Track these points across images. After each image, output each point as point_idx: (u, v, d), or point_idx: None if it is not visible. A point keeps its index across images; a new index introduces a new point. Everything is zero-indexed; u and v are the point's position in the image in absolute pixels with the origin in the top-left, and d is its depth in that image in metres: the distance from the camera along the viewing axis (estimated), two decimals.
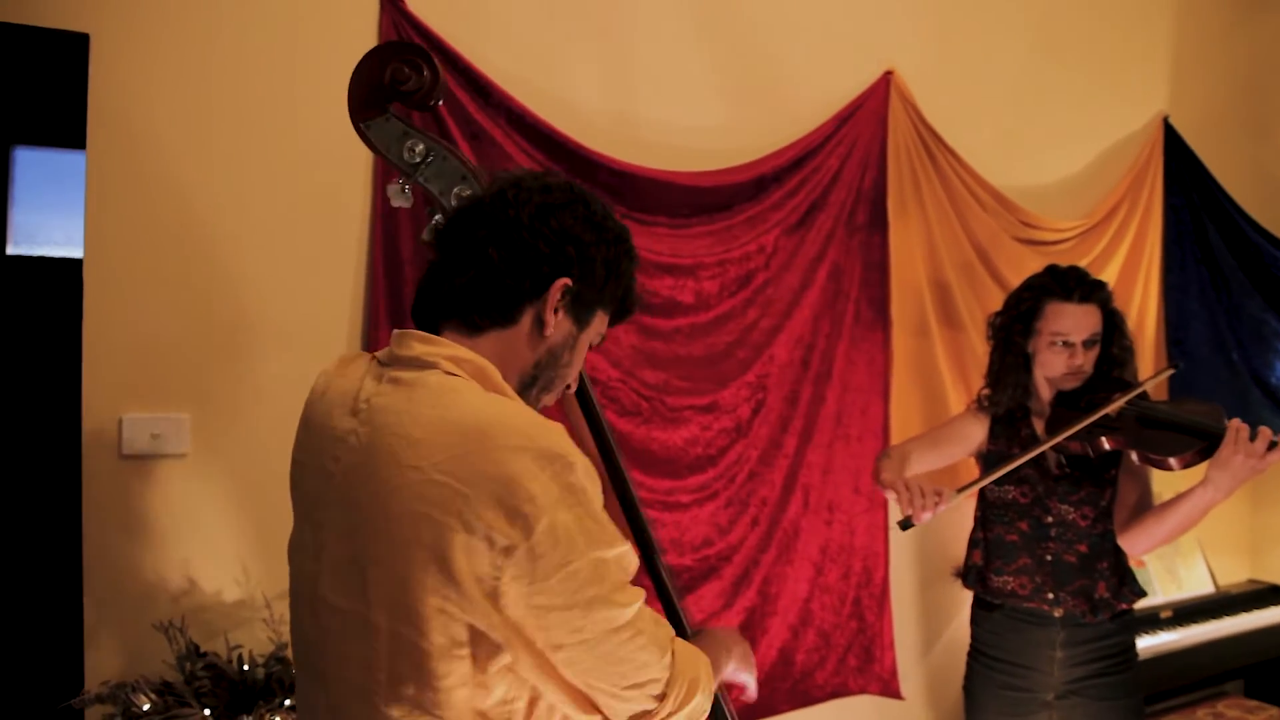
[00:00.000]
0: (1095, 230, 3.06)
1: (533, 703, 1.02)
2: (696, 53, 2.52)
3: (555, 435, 0.98)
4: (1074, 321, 2.12)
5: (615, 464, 1.45)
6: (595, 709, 1.03)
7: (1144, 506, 2.20)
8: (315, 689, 1.07)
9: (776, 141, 2.58)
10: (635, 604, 1.01)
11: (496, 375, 1.06)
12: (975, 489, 2.08)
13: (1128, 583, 2.19)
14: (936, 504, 1.91)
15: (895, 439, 2.71)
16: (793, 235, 2.56)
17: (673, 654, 1.07)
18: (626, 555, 1.02)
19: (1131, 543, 2.18)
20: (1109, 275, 3.08)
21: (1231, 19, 3.49)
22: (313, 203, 2.08)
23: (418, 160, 1.39)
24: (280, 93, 2.05)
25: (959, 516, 2.32)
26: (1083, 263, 2.97)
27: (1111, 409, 2.05)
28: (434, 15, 2.17)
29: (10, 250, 3.53)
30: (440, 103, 1.43)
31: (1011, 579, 2.19)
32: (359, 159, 2.09)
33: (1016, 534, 2.20)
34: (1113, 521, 2.18)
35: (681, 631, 1.37)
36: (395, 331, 1.11)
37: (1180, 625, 3.00)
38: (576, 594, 0.95)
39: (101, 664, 1.89)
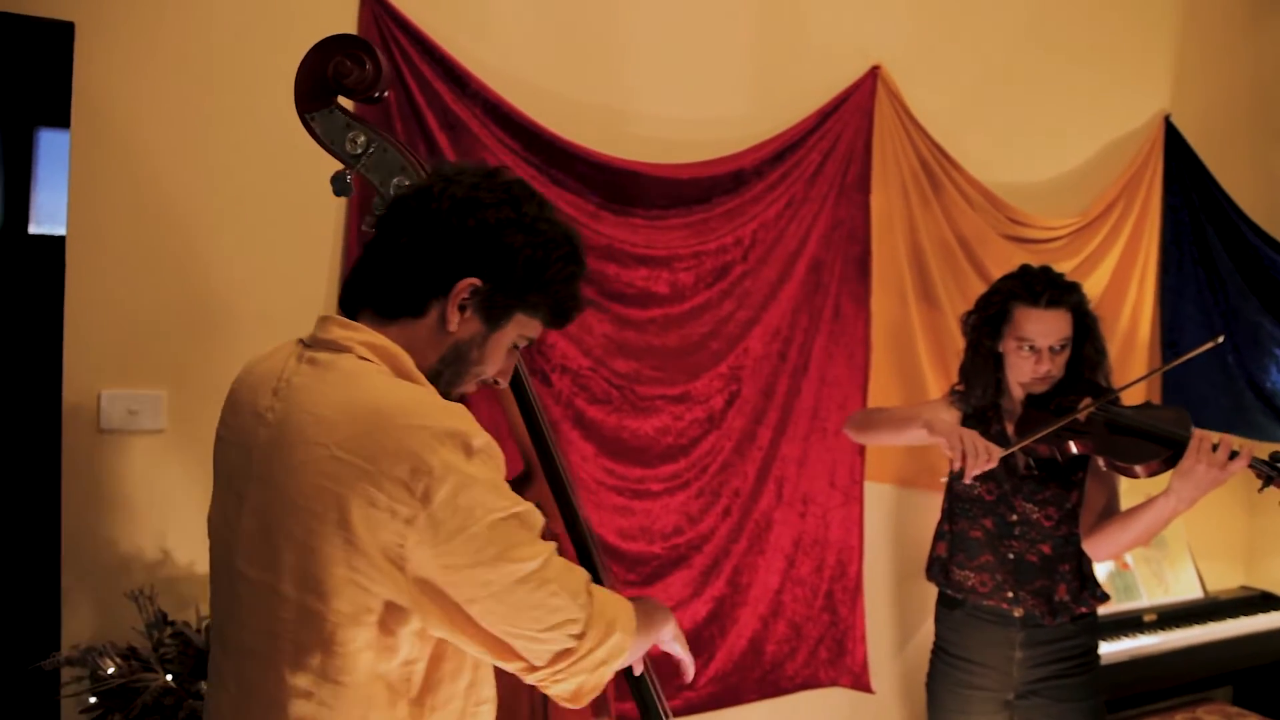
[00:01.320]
0: (1088, 229, 3.04)
1: (435, 660, 1.09)
2: (678, 45, 2.54)
3: (454, 415, 1.03)
4: (1041, 327, 2.09)
5: (549, 453, 1.50)
6: (516, 655, 1.09)
7: (1111, 511, 2.19)
8: (224, 658, 1.12)
9: (758, 135, 2.60)
10: (540, 556, 1.06)
11: (408, 362, 1.10)
12: (1015, 450, 2.04)
13: (1089, 587, 2.18)
14: (987, 463, 1.94)
15: None
16: (772, 229, 2.58)
17: (589, 596, 1.12)
18: (529, 513, 1.07)
19: (1095, 547, 2.17)
20: (1102, 274, 3.05)
21: (1240, 17, 3.44)
22: (289, 188, 2.13)
23: (359, 152, 1.44)
24: (258, 80, 2.10)
25: (934, 511, 2.33)
26: (1074, 262, 2.97)
27: (1080, 415, 2.04)
28: (414, 5, 2.21)
29: (32, 230, 3.63)
30: (385, 94, 1.46)
31: (973, 575, 2.21)
32: None
33: (980, 530, 2.20)
34: (1078, 524, 2.18)
35: None
36: (319, 316, 1.15)
37: (1163, 629, 2.98)
38: (479, 553, 1.01)
39: (78, 629, 1.97)
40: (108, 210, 2.00)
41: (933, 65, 2.81)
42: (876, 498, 2.79)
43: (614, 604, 1.17)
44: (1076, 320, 2.14)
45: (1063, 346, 2.12)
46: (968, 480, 1.97)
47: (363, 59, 1.39)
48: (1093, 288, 3.00)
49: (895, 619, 2.84)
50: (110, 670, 1.73)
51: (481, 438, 1.03)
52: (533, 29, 2.38)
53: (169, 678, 1.78)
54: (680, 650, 1.42)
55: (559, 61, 2.41)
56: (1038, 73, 2.99)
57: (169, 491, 2.05)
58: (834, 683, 2.69)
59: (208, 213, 2.08)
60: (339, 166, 1.44)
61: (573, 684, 1.12)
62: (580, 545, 1.49)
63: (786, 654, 2.63)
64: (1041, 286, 2.12)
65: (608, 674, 1.14)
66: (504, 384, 1.25)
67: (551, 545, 1.10)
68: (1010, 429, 2.20)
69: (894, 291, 2.75)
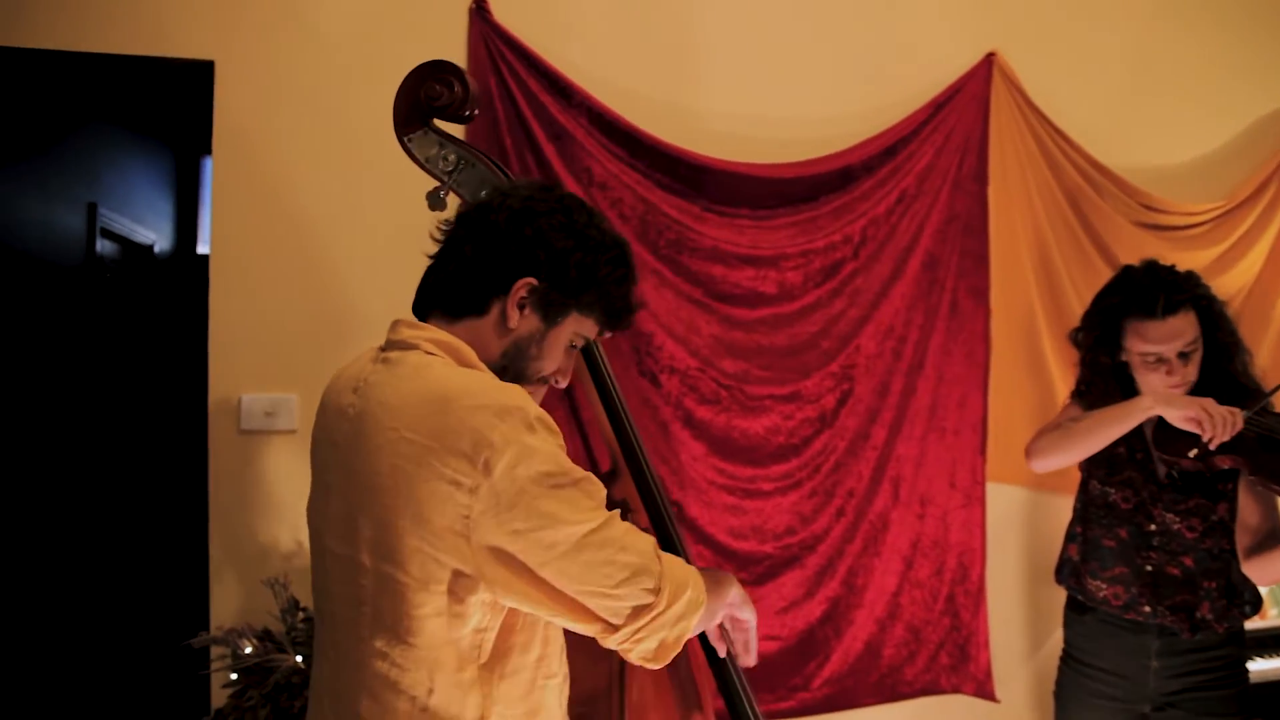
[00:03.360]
0: (1235, 213, 2.83)
1: (505, 631, 1.16)
2: (782, 44, 2.54)
3: (512, 393, 1.12)
4: (1162, 337, 1.93)
5: (633, 450, 1.54)
6: (594, 616, 1.15)
7: (1269, 531, 2.02)
8: (322, 629, 1.23)
9: (868, 130, 2.56)
10: (602, 517, 1.13)
11: (470, 353, 1.20)
12: (1258, 406, 1.90)
13: (1238, 601, 2.01)
14: (1233, 428, 1.83)
15: (996, 433, 2.62)
16: (883, 225, 2.54)
17: (658, 556, 1.18)
18: (588, 481, 1.14)
19: (1257, 572, 2.00)
20: (1251, 263, 2.84)
21: None
22: (407, 204, 2.23)
23: (450, 169, 1.56)
24: (378, 104, 2.22)
25: (1067, 513, 2.22)
26: (1217, 250, 2.78)
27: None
28: (520, 23, 2.31)
29: (200, 250, 3.92)
30: (474, 113, 1.57)
31: (1105, 586, 2.07)
32: None
33: (1115, 540, 2.07)
34: (1227, 538, 2.01)
35: None
36: (393, 320, 1.27)
37: None
38: (542, 517, 1.08)
39: (224, 612, 2.15)
40: (246, 230, 2.18)
41: (1053, 47, 2.70)
42: (1003, 499, 2.68)
43: (682, 566, 1.22)
44: (1202, 314, 1.97)
45: (1193, 349, 1.96)
46: (1214, 448, 1.84)
47: (451, 81, 1.53)
48: (1240, 278, 2.80)
49: (1024, 625, 2.72)
50: (248, 650, 1.88)
51: (538, 412, 1.12)
52: (632, 36, 2.43)
53: (299, 659, 1.91)
54: (749, 614, 1.43)
55: (660, 67, 2.45)
56: (1170, 48, 2.82)
57: (302, 487, 2.16)
58: (956, 689, 2.60)
59: (335, 230, 2.23)
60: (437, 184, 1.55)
61: (654, 641, 1.16)
62: (666, 543, 1.51)
63: (905, 658, 2.57)
64: (1154, 294, 1.94)
65: (688, 630, 1.19)
66: (563, 383, 1.32)
67: (613, 512, 1.16)
68: (1148, 431, 2.06)
69: (1016, 286, 2.64)
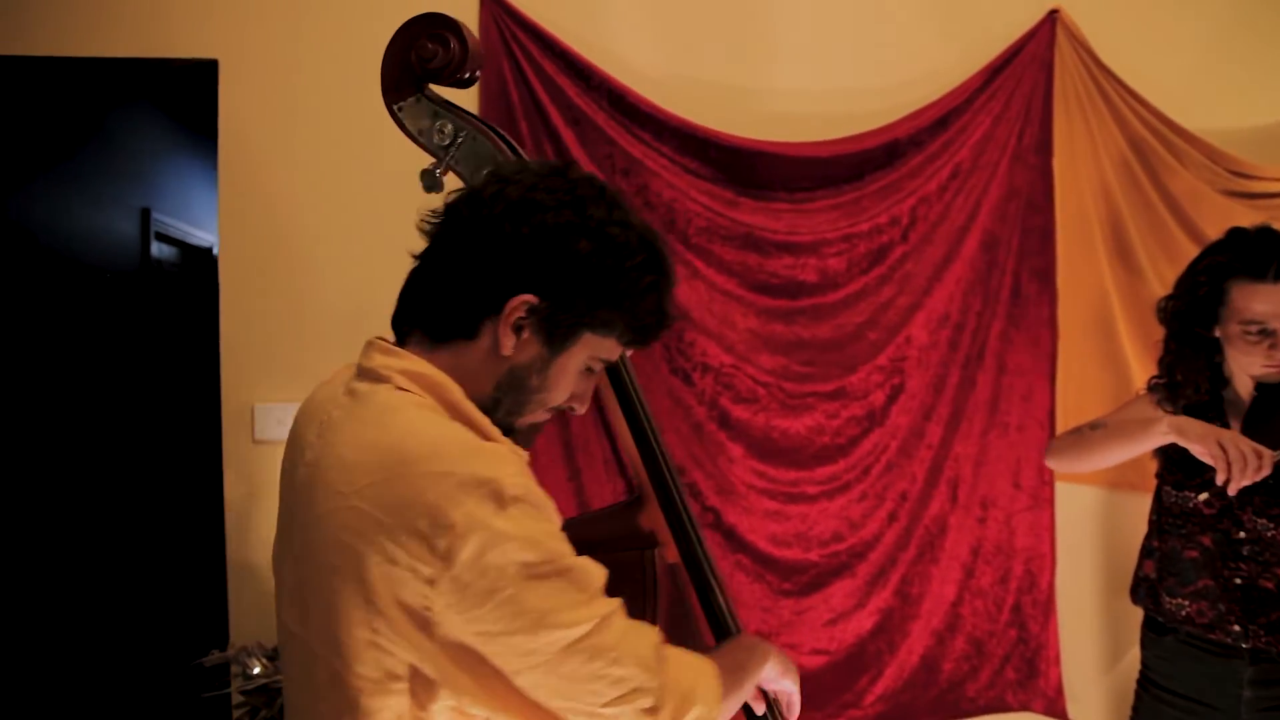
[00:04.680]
0: None
1: None
2: (822, 12, 2.35)
3: (487, 459, 0.90)
4: (1273, 306, 1.70)
5: (661, 474, 1.37)
6: None
7: None
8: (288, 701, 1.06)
9: (918, 100, 2.35)
10: (593, 619, 0.92)
11: (454, 392, 0.98)
12: None
13: None
14: (1258, 472, 1.59)
15: (1064, 426, 2.40)
16: (935, 204, 2.33)
17: (660, 662, 0.97)
18: (581, 570, 0.94)
19: None
20: None
21: None
22: (428, 202, 2.15)
23: (447, 142, 1.32)
24: None
25: (1144, 513, 2.00)
26: None
27: None
28: (537, 3, 2.17)
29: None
30: (476, 75, 1.33)
31: (1188, 603, 1.85)
32: None
33: (1197, 549, 1.85)
34: None
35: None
36: (366, 340, 1.05)
37: None
38: (516, 619, 0.88)
39: (244, 624, 2.09)
40: (255, 236, 2.10)
41: (1123, 1, 2.44)
42: (1076, 500, 2.46)
43: (692, 669, 1.02)
44: None
45: None
46: (1233, 493, 1.62)
47: (447, 38, 1.29)
48: None
49: (1100, 638, 2.49)
50: (256, 670, 1.81)
51: (518, 485, 0.90)
52: (657, 11, 2.28)
53: None
54: (790, 686, 1.26)
55: (687, 44, 2.29)
56: None
57: None
58: (1024, 707, 2.40)
59: (348, 236, 2.14)
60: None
61: None
62: (699, 579, 1.35)
63: (967, 673, 2.38)
64: (1267, 255, 1.72)
65: None
66: (580, 410, 1.10)
67: (613, 604, 0.96)
68: (1237, 426, 1.83)
69: (1086, 266, 2.40)
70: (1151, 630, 1.96)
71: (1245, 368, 1.78)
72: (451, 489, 0.87)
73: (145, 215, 3.36)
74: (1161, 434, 1.73)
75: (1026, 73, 2.36)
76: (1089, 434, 1.87)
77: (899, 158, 2.30)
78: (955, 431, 2.36)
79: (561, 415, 1.15)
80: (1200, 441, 1.65)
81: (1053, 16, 2.38)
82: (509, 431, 1.05)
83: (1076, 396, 2.42)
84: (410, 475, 0.88)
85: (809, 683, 2.25)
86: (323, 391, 1.06)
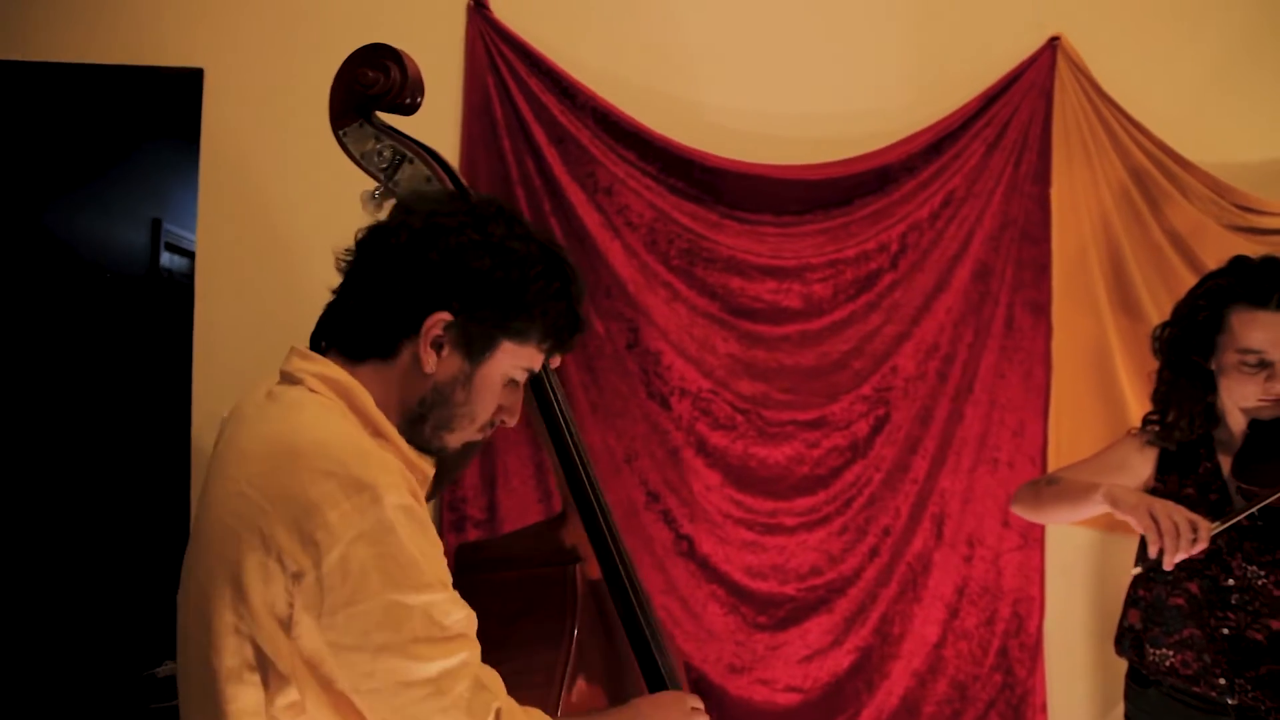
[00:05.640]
0: None
1: None
2: (816, 33, 2.32)
3: (374, 466, 0.93)
4: (1271, 335, 1.63)
5: (583, 491, 1.36)
6: None
7: None
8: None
9: (914, 125, 2.31)
10: (441, 661, 0.92)
11: (365, 398, 1.02)
12: (1235, 522, 1.61)
13: None
14: (1193, 545, 1.52)
15: (1056, 464, 2.32)
16: (926, 231, 2.28)
17: None
18: (440, 605, 0.93)
19: None
20: None
21: None
22: None
23: (386, 165, 1.39)
24: None
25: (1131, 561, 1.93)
26: None
27: None
28: (522, 19, 2.16)
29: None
30: (418, 101, 1.40)
31: (1172, 653, 1.76)
32: None
33: (1183, 596, 1.76)
34: None
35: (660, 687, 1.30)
36: (290, 347, 1.09)
37: None
38: (365, 636, 0.90)
39: None
40: (233, 247, 2.09)
41: (1127, 29, 2.38)
42: (1069, 541, 2.37)
43: None
44: None
45: None
46: (1168, 567, 1.54)
47: (387, 66, 1.36)
48: None
49: (1091, 687, 2.39)
50: None
51: (400, 497, 0.92)
52: (645, 30, 2.25)
53: None
54: None
55: (678, 63, 2.26)
56: (1261, 27, 2.44)
57: None
58: None
59: (326, 247, 2.12)
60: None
61: None
62: (621, 595, 1.33)
63: (949, 717, 2.29)
64: (1270, 282, 1.65)
65: None
66: (511, 422, 1.13)
67: (466, 650, 0.95)
68: (1226, 466, 1.76)
69: (1083, 298, 2.33)
70: (1135, 682, 1.87)
71: (1239, 400, 1.71)
72: (333, 489, 0.89)
73: (156, 226, 3.40)
74: (1097, 502, 1.67)
75: (1025, 100, 2.31)
76: (1043, 489, 1.81)
77: (890, 183, 2.26)
78: (942, 466, 2.29)
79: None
80: (1132, 512, 1.58)
81: (1053, 44, 2.33)
82: (442, 454, 1.11)
83: (1071, 434, 2.34)
84: (296, 468, 0.91)
85: None
86: (250, 394, 1.10)
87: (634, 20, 2.25)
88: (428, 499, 1.35)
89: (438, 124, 2.15)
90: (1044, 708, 2.31)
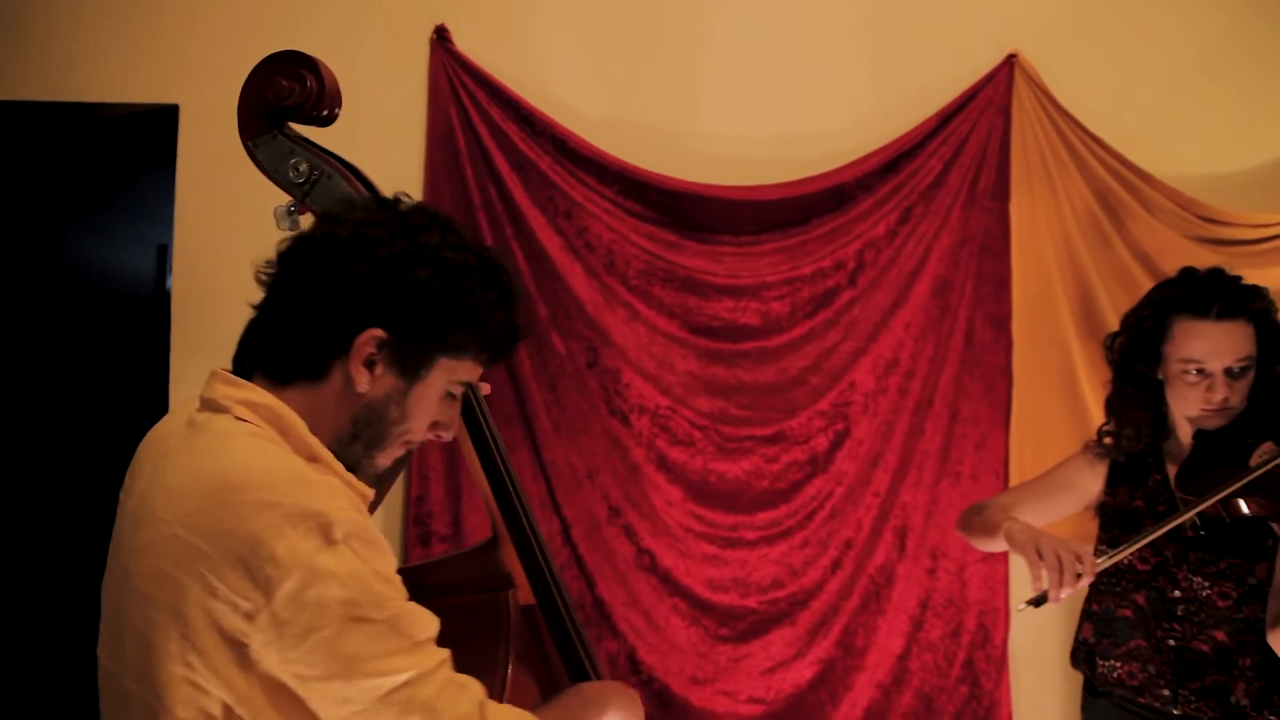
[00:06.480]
0: None
1: None
2: (774, 56, 2.37)
3: (319, 492, 0.90)
4: (1210, 345, 1.65)
5: (514, 512, 1.36)
6: None
7: None
8: None
9: (873, 144, 2.35)
10: (414, 669, 0.91)
11: (297, 424, 0.97)
12: (1127, 555, 1.65)
13: None
14: (1079, 577, 1.54)
15: (1019, 477, 2.33)
16: (884, 249, 2.31)
17: (484, 718, 0.96)
18: (404, 616, 0.92)
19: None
20: None
21: None
22: None
23: (302, 180, 1.29)
24: (337, 139, 2.21)
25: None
26: None
27: (1266, 465, 1.57)
28: (485, 51, 2.24)
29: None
30: (335, 113, 1.30)
31: (1119, 664, 1.77)
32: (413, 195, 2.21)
33: (1131, 608, 1.76)
34: (1265, 606, 1.69)
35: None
36: (211, 371, 1.04)
37: None
38: (333, 663, 0.87)
39: None
40: (208, 270, 2.19)
41: (1085, 45, 2.40)
42: None
43: None
44: (1262, 334, 1.67)
45: (1244, 369, 1.66)
46: (1054, 601, 1.55)
47: (303, 76, 1.26)
48: None
49: (1057, 697, 2.39)
50: None
51: (348, 521, 0.88)
52: (608, 60, 2.33)
53: None
54: None
55: (640, 90, 2.33)
56: (1228, 38, 2.44)
57: None
58: None
59: None
60: None
61: None
62: (554, 620, 1.34)
63: None
64: (1211, 293, 1.67)
65: None
66: (448, 438, 1.09)
67: (438, 656, 0.94)
68: (1173, 475, 1.77)
69: (1045, 313, 2.35)
70: (1089, 693, 1.88)
71: (1184, 409, 1.72)
72: (277, 520, 0.85)
73: (162, 252, 3.53)
74: (999, 540, 1.71)
75: (983, 117, 2.34)
76: (973, 518, 1.83)
77: (847, 201, 2.30)
78: (903, 480, 2.32)
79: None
80: (1020, 549, 1.61)
81: (1010, 61, 2.36)
82: (371, 472, 1.06)
83: (1036, 447, 2.35)
84: (235, 504, 0.87)
85: None
86: (165, 424, 1.04)
87: (594, 49, 2.32)
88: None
89: (402, 152, 2.23)
90: (1010, 718, 2.31)
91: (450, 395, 1.05)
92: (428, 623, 0.94)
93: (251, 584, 0.84)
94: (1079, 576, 1.51)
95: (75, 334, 2.66)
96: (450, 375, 1.02)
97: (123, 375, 2.76)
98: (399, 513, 2.21)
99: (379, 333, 0.96)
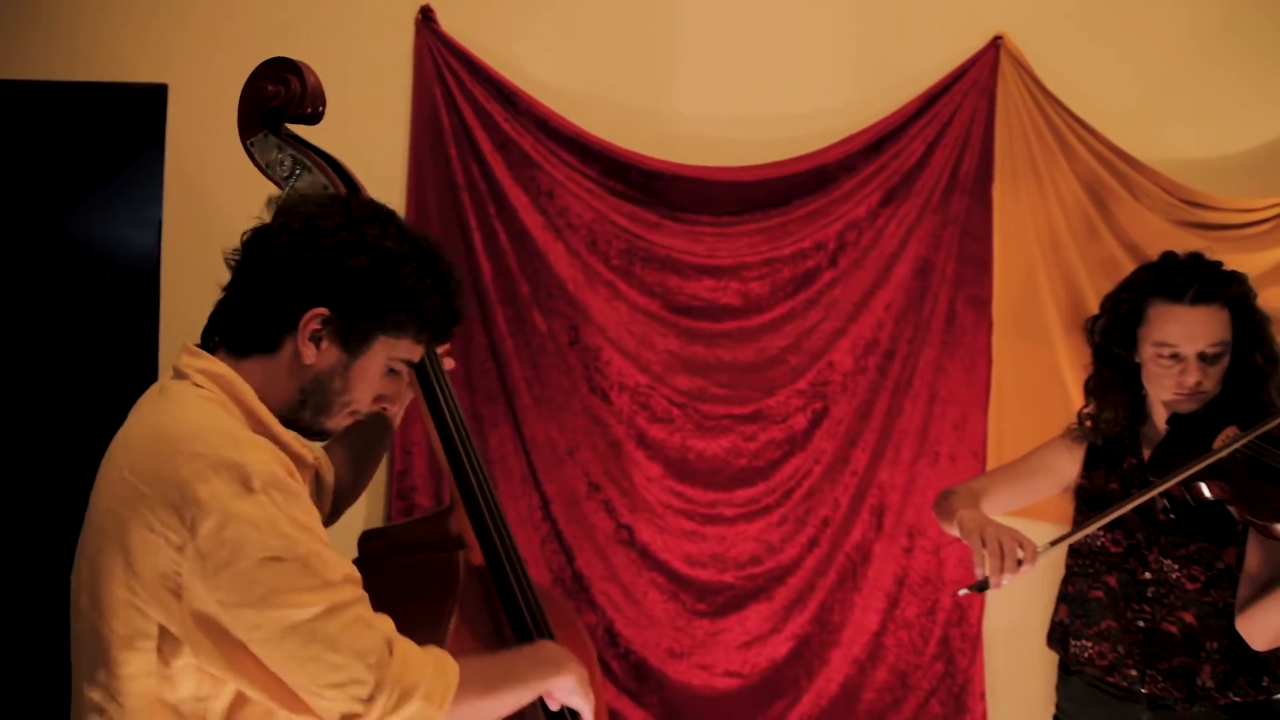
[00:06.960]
0: None
1: (237, 704, 1.06)
2: (758, 36, 2.37)
3: (243, 447, 1.03)
4: (1185, 329, 1.65)
5: (466, 481, 1.42)
6: (306, 708, 1.05)
7: (1269, 578, 1.69)
8: None
9: (856, 126, 2.35)
10: (319, 605, 1.01)
11: (245, 391, 1.11)
12: (1068, 542, 1.70)
13: (1253, 671, 1.67)
14: (1020, 564, 1.56)
15: (998, 459, 2.35)
16: (866, 230, 2.33)
17: (385, 655, 1.05)
18: (316, 557, 1.03)
19: (1248, 628, 1.65)
20: None
21: None
22: None
23: (287, 174, 1.45)
24: (328, 118, 2.25)
25: None
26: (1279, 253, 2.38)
27: (1224, 450, 1.59)
28: (470, 32, 2.26)
29: None
30: (320, 111, 1.44)
31: (1090, 644, 1.79)
32: (395, 179, 2.25)
33: (1102, 589, 1.78)
34: (1233, 590, 1.69)
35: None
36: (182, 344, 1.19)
37: None
38: (246, 592, 0.99)
39: None
40: (196, 250, 2.22)
41: (1071, 27, 2.38)
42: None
43: (421, 667, 1.08)
44: (1238, 320, 1.68)
45: (1218, 354, 1.66)
46: (994, 587, 1.57)
47: (287, 79, 1.41)
48: None
49: (1031, 675, 2.38)
50: None
51: (266, 473, 1.02)
52: (591, 40, 2.34)
53: None
54: (580, 704, 1.28)
55: (623, 70, 2.35)
56: (1216, 23, 2.42)
57: None
58: None
59: None
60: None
61: None
62: (501, 581, 1.40)
63: (889, 704, 2.34)
64: (1187, 277, 1.67)
65: None
66: (394, 410, 1.22)
67: (347, 595, 1.04)
68: (1147, 457, 1.78)
69: (1026, 295, 2.36)
70: (1063, 671, 1.91)
71: (1158, 392, 1.72)
72: (202, 469, 0.99)
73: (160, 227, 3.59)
74: (947, 522, 1.75)
75: (967, 99, 2.34)
76: (941, 503, 1.85)
77: (829, 182, 2.31)
78: (881, 459, 2.34)
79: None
80: (966, 536, 1.63)
81: (996, 43, 2.35)
82: (324, 437, 1.20)
83: (1015, 428, 2.36)
84: (170, 453, 1.01)
85: (721, 705, 2.28)
86: (149, 390, 1.19)
87: (578, 30, 2.33)
88: (342, 506, 1.48)
89: (388, 132, 2.27)
90: (984, 696, 2.34)
91: (393, 371, 1.18)
92: (339, 565, 1.05)
93: (179, 521, 0.98)
94: (1020, 563, 1.53)
95: (77, 309, 2.73)
96: (390, 352, 1.15)
97: (121, 349, 2.83)
98: (383, 486, 2.26)
99: (323, 311, 1.10)
